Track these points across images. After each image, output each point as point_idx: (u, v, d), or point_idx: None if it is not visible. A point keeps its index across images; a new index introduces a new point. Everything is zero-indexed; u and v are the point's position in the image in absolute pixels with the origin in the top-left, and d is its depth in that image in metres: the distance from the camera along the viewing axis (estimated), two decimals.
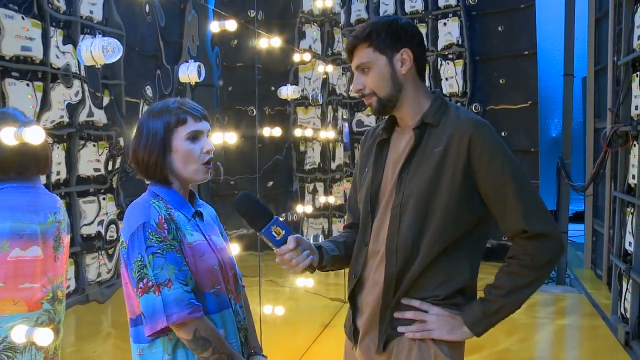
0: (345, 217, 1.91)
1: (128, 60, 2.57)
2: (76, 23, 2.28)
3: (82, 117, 2.37)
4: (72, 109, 2.32)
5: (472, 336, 1.59)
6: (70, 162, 2.34)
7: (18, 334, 1.48)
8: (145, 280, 1.41)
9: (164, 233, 1.44)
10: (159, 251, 1.42)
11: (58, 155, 2.25)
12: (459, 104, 6.47)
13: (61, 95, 2.21)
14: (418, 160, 1.58)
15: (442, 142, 1.56)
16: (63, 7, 2.21)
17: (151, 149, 1.50)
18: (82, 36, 2.26)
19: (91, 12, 2.36)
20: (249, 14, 3.63)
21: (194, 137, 1.52)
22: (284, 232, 1.51)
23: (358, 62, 1.61)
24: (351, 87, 1.69)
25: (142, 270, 1.42)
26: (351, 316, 1.71)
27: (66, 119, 2.28)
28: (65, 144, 2.31)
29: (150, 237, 1.43)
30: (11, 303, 1.61)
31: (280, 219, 1.55)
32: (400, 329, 1.59)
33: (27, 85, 2.06)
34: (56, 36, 2.16)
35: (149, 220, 1.44)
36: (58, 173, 2.27)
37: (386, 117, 1.70)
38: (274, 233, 1.51)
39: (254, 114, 3.53)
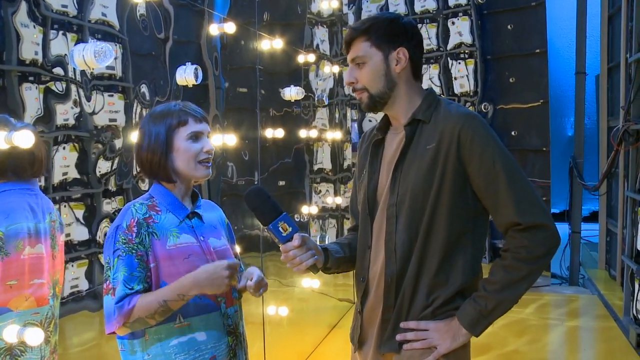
0: (350, 220, 1.90)
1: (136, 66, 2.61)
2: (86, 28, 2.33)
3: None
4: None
5: (471, 336, 1.57)
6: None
7: (10, 334, 1.51)
8: (107, 282, 1.47)
9: (131, 236, 1.48)
10: (121, 253, 1.47)
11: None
12: (468, 103, 6.47)
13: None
14: (411, 158, 1.57)
15: (434, 138, 1.55)
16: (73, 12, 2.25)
17: (154, 149, 1.56)
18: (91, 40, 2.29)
19: (103, 14, 2.40)
20: (256, 15, 3.64)
21: (195, 137, 1.58)
22: (290, 229, 1.52)
23: (354, 55, 1.62)
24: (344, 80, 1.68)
25: (107, 272, 1.48)
26: (359, 319, 1.69)
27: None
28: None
29: (120, 239, 1.48)
30: (24, 299, 1.68)
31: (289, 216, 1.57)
32: (405, 346, 1.57)
33: (37, 88, 2.11)
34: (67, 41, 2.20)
35: (122, 223, 1.50)
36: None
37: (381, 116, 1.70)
38: (280, 229, 1.52)
39: (257, 115, 3.54)
